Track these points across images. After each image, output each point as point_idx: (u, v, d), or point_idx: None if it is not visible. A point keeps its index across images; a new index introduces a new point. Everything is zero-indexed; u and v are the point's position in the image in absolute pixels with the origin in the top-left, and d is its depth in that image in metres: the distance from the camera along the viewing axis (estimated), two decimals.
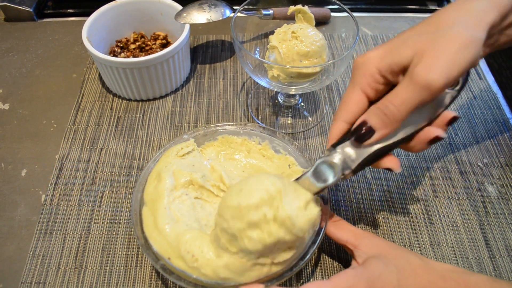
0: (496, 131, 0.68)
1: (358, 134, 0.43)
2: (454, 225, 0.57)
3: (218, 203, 0.50)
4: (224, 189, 0.51)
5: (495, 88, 0.74)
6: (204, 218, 0.49)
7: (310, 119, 0.69)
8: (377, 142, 0.43)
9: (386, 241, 0.46)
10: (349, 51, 0.55)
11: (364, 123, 0.42)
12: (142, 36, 0.76)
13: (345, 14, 0.60)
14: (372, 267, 0.41)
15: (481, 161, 0.64)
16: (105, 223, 0.56)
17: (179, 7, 0.70)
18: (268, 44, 0.60)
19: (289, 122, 0.68)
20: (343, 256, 0.54)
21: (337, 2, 0.61)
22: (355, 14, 0.59)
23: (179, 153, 0.53)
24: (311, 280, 0.52)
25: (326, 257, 0.54)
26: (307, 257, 0.46)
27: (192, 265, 0.42)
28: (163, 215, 0.46)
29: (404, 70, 0.41)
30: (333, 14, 0.77)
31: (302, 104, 0.71)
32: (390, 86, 0.43)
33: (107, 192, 0.59)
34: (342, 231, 0.47)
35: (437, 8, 0.90)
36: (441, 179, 0.62)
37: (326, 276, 0.52)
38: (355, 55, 0.79)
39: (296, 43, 0.57)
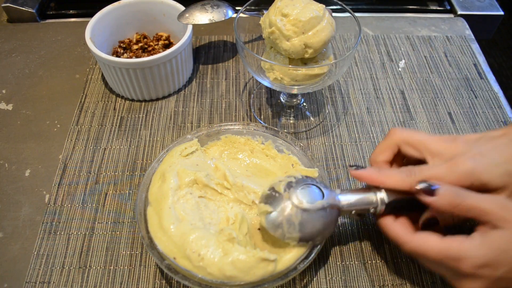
0: None
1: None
2: (457, 225, 0.57)
3: (222, 200, 0.51)
4: (228, 187, 0.51)
5: (496, 87, 0.74)
6: (208, 216, 0.49)
7: (312, 119, 0.69)
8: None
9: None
10: (352, 51, 0.55)
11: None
12: (145, 37, 0.77)
13: (346, 14, 0.61)
14: (493, 242, 0.40)
15: None
16: (109, 222, 0.57)
17: (182, 7, 0.71)
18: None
19: (291, 122, 0.69)
20: (346, 256, 0.54)
21: (339, 2, 0.61)
22: (356, 14, 0.60)
23: (183, 153, 0.53)
24: (314, 279, 0.52)
25: (330, 256, 0.54)
26: (312, 256, 0.46)
27: (197, 264, 0.43)
28: (168, 215, 0.46)
29: (484, 189, 0.42)
30: (334, 14, 0.77)
31: (305, 104, 0.71)
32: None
33: (111, 192, 0.60)
34: (468, 213, 0.42)
35: (438, 8, 0.90)
36: None
37: (329, 275, 0.52)
38: (356, 55, 0.79)
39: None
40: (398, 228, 0.44)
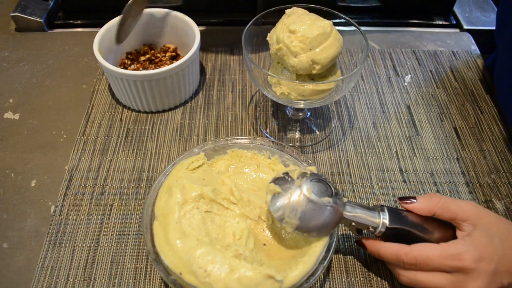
0: (503, 146, 0.68)
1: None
2: None
3: (228, 215, 0.51)
4: (235, 202, 0.51)
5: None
6: (214, 231, 0.49)
7: (318, 133, 0.69)
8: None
9: (489, 213, 0.48)
10: (359, 67, 0.56)
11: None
12: (152, 49, 0.77)
13: (352, 28, 0.61)
14: (479, 239, 0.45)
15: (488, 177, 0.64)
16: (114, 235, 0.56)
17: (189, 20, 0.71)
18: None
19: (297, 135, 0.69)
20: (351, 272, 0.54)
21: (346, 17, 0.62)
22: (361, 28, 0.60)
23: (190, 167, 0.54)
24: None
25: (335, 272, 0.54)
26: (318, 273, 0.46)
27: (203, 280, 0.43)
28: (174, 229, 0.46)
29: None
30: (340, 28, 0.78)
31: (311, 117, 0.71)
32: None
33: (116, 204, 0.60)
34: (449, 211, 0.47)
35: (444, 23, 0.90)
36: (449, 194, 0.62)
37: None
38: (363, 70, 0.79)
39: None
40: (393, 244, 0.47)
